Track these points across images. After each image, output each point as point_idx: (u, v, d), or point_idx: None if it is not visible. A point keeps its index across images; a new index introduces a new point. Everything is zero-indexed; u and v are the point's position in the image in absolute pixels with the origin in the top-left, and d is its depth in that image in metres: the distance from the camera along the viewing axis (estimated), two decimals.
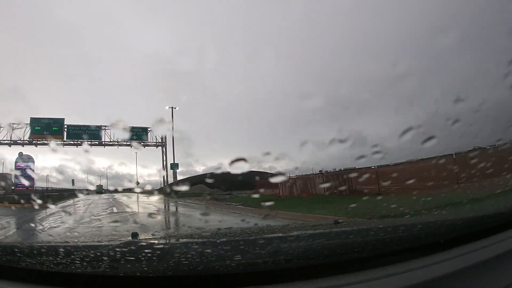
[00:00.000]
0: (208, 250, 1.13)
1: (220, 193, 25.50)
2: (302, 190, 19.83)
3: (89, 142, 35.38)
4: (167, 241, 1.70)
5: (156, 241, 1.54)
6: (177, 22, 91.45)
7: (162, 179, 38.85)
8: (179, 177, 38.73)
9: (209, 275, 0.99)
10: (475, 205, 3.76)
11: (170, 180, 36.98)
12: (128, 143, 36.06)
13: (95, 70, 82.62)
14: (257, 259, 1.05)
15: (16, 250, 1.23)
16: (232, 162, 1.52)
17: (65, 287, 1.04)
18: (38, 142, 33.59)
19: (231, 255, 1.09)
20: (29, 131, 33.34)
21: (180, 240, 1.73)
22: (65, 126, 34.60)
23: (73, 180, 28.66)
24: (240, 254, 1.10)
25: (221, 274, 0.98)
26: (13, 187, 30.28)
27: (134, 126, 36.10)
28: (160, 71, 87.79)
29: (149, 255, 1.09)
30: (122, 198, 22.84)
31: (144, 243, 1.33)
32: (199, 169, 37.86)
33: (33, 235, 6.81)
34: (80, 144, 34.46)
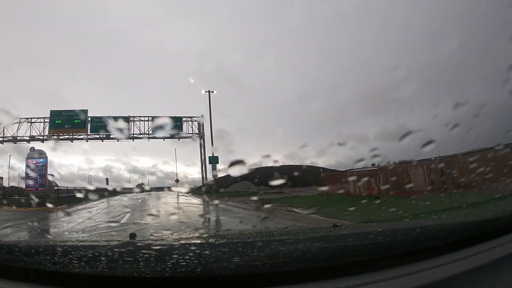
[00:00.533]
0: (207, 252, 1.14)
1: (268, 191, 21.07)
2: (393, 186, 11.83)
3: (116, 135, 30.71)
4: (165, 242, 1.69)
5: (154, 242, 1.53)
6: (210, 21, 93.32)
7: (201, 176, 33.70)
8: (220, 174, 34.32)
9: (207, 277, 0.99)
10: (474, 210, 3.62)
11: (210, 176, 32.50)
12: (160, 135, 31.59)
13: (121, 61, 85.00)
14: (255, 262, 1.05)
15: (14, 249, 1.24)
16: (231, 164, 1.46)
17: (63, 286, 1.04)
18: (60, 137, 29.81)
19: (229, 257, 1.09)
20: (48, 125, 29.94)
21: (178, 241, 1.70)
22: (89, 118, 30.38)
23: (107, 179, 27.01)
24: (238, 256, 1.10)
25: (219, 276, 0.98)
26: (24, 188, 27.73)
27: (167, 115, 32.25)
28: (195, 68, 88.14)
29: (146, 255, 1.09)
30: (154, 198, 20.24)
31: (142, 244, 1.32)
32: None
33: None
34: (106, 138, 30.70)
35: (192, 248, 1.21)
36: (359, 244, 1.27)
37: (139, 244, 1.33)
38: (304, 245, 1.34)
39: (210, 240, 1.64)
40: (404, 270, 1.04)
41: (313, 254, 1.13)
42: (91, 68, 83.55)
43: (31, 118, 29.90)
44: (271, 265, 1.03)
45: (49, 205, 14.65)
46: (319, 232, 1.92)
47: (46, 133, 29.89)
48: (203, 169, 33.02)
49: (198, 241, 1.64)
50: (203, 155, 33.13)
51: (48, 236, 6.04)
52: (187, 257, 1.05)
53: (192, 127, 32.96)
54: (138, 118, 31.51)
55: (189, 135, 32.79)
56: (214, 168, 30.95)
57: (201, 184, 32.86)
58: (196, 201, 18.86)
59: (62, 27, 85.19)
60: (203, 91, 32.58)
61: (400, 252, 1.14)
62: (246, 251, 1.18)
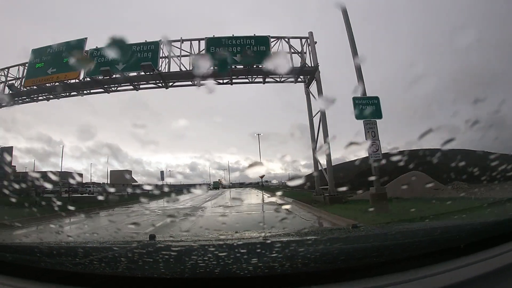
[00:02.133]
0: (225, 253, 1.15)
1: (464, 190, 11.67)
2: None
3: (134, 76, 16.32)
4: (185, 243, 1.71)
5: (173, 243, 1.56)
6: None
7: (313, 161, 16.62)
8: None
9: (226, 278, 0.99)
10: (496, 209, 3.71)
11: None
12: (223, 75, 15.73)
13: None
14: (274, 263, 1.05)
15: (36, 250, 1.26)
16: (249, 166, 1.45)
17: (84, 287, 1.05)
18: (36, 88, 16.97)
19: (248, 258, 1.09)
20: (25, 74, 17.03)
21: (197, 242, 1.74)
22: (86, 52, 16.35)
23: (162, 173, 21.74)
24: (257, 257, 1.10)
25: (238, 277, 0.98)
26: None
27: (236, 35, 16.14)
28: None
29: (166, 256, 1.10)
30: (214, 206, 14.30)
31: (161, 245, 1.35)
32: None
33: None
34: (115, 84, 16.79)
35: (211, 249, 1.23)
36: (379, 245, 1.26)
37: (158, 245, 1.36)
38: (324, 246, 1.34)
39: (228, 241, 1.65)
40: (425, 272, 1.03)
41: (332, 255, 1.12)
42: None
43: (8, 68, 17.85)
44: (290, 266, 1.03)
45: None
46: (339, 233, 1.91)
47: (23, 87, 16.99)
48: (316, 144, 15.92)
49: (217, 242, 1.66)
50: (317, 118, 15.97)
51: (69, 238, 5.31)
52: (206, 258, 1.07)
53: (291, 60, 15.93)
54: (179, 42, 16.21)
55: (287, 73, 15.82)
56: (372, 135, 10.60)
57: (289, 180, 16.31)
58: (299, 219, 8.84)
59: None
60: None
61: (420, 254, 1.12)
62: (265, 252, 1.18)
